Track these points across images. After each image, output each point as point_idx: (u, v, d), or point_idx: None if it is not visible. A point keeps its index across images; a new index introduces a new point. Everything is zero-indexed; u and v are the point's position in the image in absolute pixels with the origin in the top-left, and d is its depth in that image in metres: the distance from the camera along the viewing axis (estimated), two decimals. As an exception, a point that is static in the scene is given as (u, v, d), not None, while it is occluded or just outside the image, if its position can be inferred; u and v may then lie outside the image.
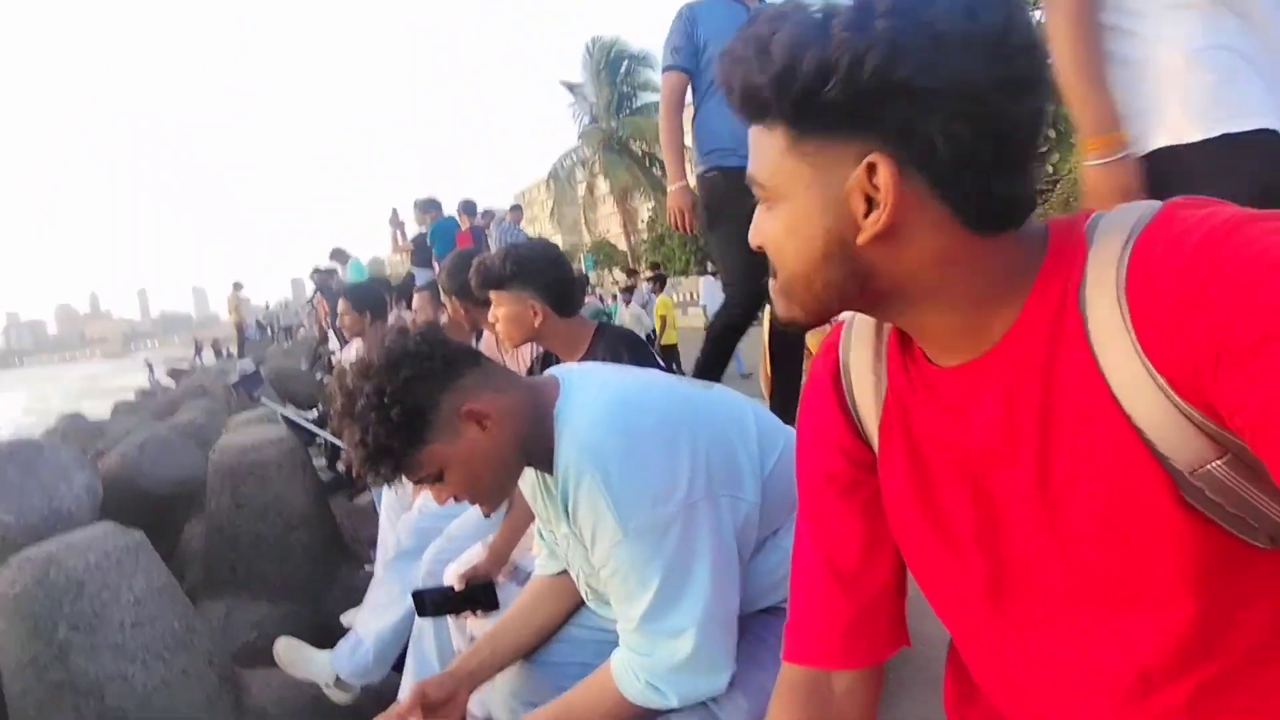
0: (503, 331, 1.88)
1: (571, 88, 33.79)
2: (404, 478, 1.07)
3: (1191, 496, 0.54)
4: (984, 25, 0.52)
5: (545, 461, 1.11)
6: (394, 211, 8.59)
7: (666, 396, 1.14)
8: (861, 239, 0.58)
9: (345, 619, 2.62)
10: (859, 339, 0.74)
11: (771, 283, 0.66)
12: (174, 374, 18.03)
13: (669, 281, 12.36)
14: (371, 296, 3.59)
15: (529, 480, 1.25)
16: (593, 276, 24.61)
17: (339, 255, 9.49)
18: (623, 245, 37.87)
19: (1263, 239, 0.49)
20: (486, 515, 1.15)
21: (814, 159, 0.58)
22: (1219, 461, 0.53)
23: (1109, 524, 0.57)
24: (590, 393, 1.11)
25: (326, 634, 3.14)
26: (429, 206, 7.25)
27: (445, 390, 1.06)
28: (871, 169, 0.56)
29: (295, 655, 2.35)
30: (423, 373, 1.04)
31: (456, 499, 1.11)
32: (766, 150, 0.61)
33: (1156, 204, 0.57)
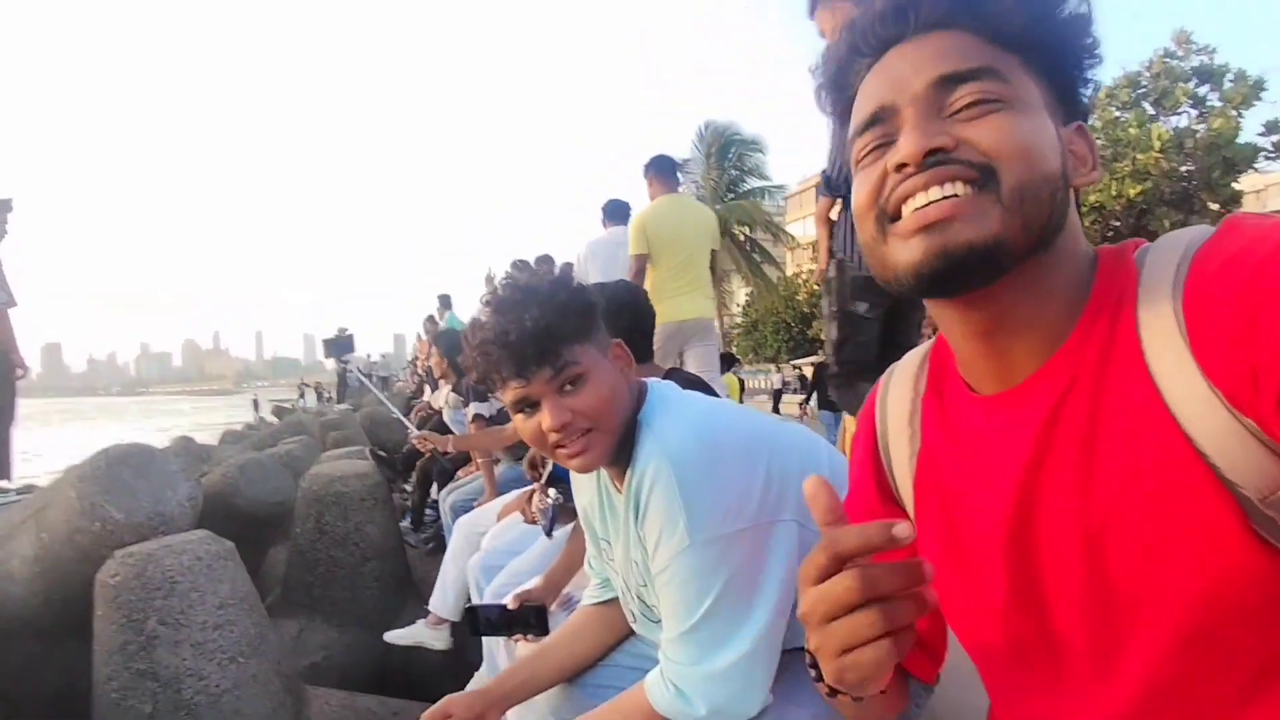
0: None
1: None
2: (550, 365, 1.04)
3: (1262, 527, 0.50)
4: None
5: (618, 461, 1.12)
6: (489, 270, 9.23)
7: (748, 420, 1.16)
8: (1079, 180, 0.60)
9: (388, 637, 3.04)
10: (897, 388, 0.75)
11: (976, 195, 0.56)
12: (278, 411, 19.13)
13: (758, 366, 12.48)
14: (456, 343, 3.96)
15: (589, 491, 1.27)
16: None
17: (444, 301, 10.24)
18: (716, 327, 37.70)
19: None
20: (582, 470, 1.10)
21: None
22: None
23: (1163, 554, 0.53)
24: (679, 405, 1.13)
25: (386, 664, 3.22)
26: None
27: (603, 327, 1.14)
28: (1082, 131, 0.61)
29: (400, 635, 3.00)
30: (592, 305, 1.12)
31: (569, 429, 1.06)
32: (988, 53, 0.59)
33: (1210, 227, 0.55)
